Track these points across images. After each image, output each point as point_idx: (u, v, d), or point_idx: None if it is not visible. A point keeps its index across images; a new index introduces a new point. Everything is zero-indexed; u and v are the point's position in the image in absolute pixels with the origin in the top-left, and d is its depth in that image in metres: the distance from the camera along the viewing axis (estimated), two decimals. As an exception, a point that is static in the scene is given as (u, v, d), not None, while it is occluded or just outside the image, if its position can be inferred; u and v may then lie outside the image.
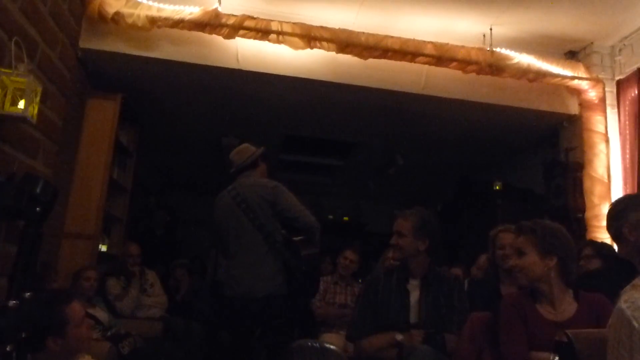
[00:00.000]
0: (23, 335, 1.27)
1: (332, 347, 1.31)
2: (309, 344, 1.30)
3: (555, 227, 2.06)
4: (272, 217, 3.00)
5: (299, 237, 3.12)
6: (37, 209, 1.30)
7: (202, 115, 5.15)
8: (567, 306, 1.99)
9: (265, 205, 3.00)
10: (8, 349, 1.21)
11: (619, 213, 2.35)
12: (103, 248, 4.31)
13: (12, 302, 1.25)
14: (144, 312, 4.29)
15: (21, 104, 1.35)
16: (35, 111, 1.40)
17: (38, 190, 1.32)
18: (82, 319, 2.06)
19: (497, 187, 4.98)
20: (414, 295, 2.57)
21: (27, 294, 1.27)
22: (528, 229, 2.05)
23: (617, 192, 3.87)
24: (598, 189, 3.91)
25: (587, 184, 3.96)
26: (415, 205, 2.70)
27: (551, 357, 1.81)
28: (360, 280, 4.54)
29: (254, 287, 2.90)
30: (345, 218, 8.89)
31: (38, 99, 1.40)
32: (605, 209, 3.65)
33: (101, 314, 3.71)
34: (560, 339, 1.68)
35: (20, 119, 1.39)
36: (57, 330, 1.86)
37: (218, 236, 3.14)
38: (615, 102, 4.08)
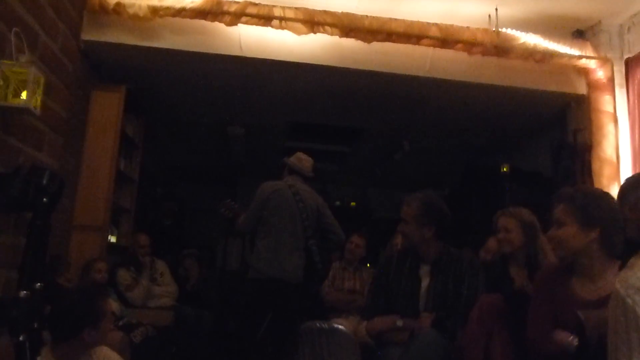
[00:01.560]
0: (35, 326, 1.29)
1: (340, 327, 1.31)
2: (318, 325, 1.30)
3: (598, 194, 1.92)
4: (315, 223, 3.49)
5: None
6: (44, 200, 1.31)
7: (207, 104, 5.14)
8: (609, 281, 1.79)
9: (315, 212, 3.50)
10: (21, 338, 1.22)
11: (621, 194, 2.35)
12: (112, 239, 4.33)
13: (23, 293, 1.26)
14: (155, 302, 4.33)
15: (24, 95, 1.34)
16: (39, 102, 1.40)
17: (44, 181, 1.32)
18: (112, 314, 2.19)
19: (505, 169, 4.93)
20: (425, 282, 2.56)
21: (38, 285, 1.28)
22: (567, 196, 1.89)
23: (626, 173, 3.81)
24: (607, 171, 3.86)
25: (595, 165, 3.91)
26: (423, 189, 2.66)
27: (570, 338, 1.76)
28: (368, 265, 4.56)
29: (292, 272, 3.35)
30: (353, 203, 8.89)
31: (41, 90, 1.40)
32: (614, 190, 3.64)
33: (112, 304, 3.74)
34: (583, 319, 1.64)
35: (24, 110, 1.38)
36: (94, 322, 2.02)
37: (263, 217, 3.45)
38: (624, 82, 4.01)
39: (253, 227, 3.51)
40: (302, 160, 3.68)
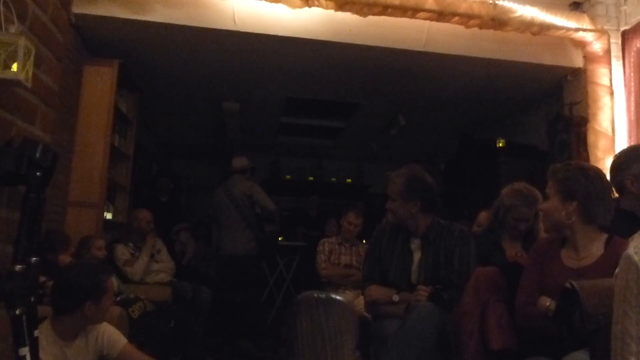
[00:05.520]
0: (32, 300, 1.29)
1: (338, 297, 1.31)
2: (315, 295, 1.30)
3: (578, 169, 1.98)
4: (249, 205, 4.64)
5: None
6: (38, 173, 1.29)
7: (202, 79, 5.09)
8: (593, 252, 1.94)
9: (245, 198, 4.63)
10: (17, 312, 1.22)
11: (621, 165, 2.34)
12: (108, 216, 4.33)
13: (18, 267, 1.25)
14: (152, 278, 4.34)
15: (14, 67, 1.32)
16: (30, 74, 1.37)
17: (37, 154, 1.30)
18: (113, 292, 2.23)
19: (500, 144, 4.94)
20: (417, 256, 2.58)
21: (33, 259, 1.27)
22: (552, 172, 2.02)
23: (622, 145, 3.83)
24: (602, 143, 3.88)
25: (591, 138, 3.93)
26: (408, 164, 2.66)
27: (548, 303, 1.83)
28: (364, 241, 4.58)
29: (236, 248, 4.59)
30: (348, 180, 8.90)
31: (31, 61, 1.37)
32: (609, 162, 3.64)
33: (112, 280, 3.75)
34: (567, 287, 1.69)
35: (14, 82, 1.35)
36: (96, 297, 2.08)
37: (215, 216, 4.80)
38: (620, 54, 4.00)
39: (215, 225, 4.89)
40: (231, 163, 4.86)
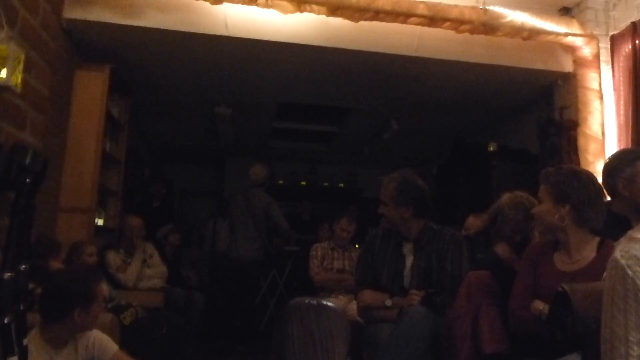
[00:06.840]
0: (21, 307, 1.27)
1: (329, 304, 1.31)
2: (306, 301, 1.30)
3: (571, 173, 2.00)
4: (264, 218, 4.91)
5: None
6: (27, 179, 1.28)
7: (194, 84, 5.08)
8: (585, 255, 1.95)
9: (262, 211, 4.90)
10: (6, 321, 1.21)
11: (613, 169, 2.35)
12: (99, 222, 4.30)
13: (7, 275, 1.24)
14: (145, 283, 4.32)
15: (3, 73, 1.31)
16: (19, 80, 1.37)
17: (27, 160, 1.29)
18: (102, 299, 2.21)
19: (492, 149, 4.97)
20: (409, 260, 2.59)
21: (23, 267, 1.26)
22: (545, 175, 2.04)
23: (612, 149, 3.86)
24: (592, 147, 3.90)
25: (581, 142, 3.95)
26: (401, 168, 2.67)
27: (541, 307, 1.84)
28: (357, 246, 4.58)
29: (245, 253, 4.86)
30: (341, 184, 8.91)
31: (21, 67, 1.36)
32: (599, 166, 3.67)
33: (102, 286, 3.72)
34: (559, 291, 1.69)
35: (4, 88, 1.35)
36: (85, 304, 2.04)
37: (230, 219, 5.10)
38: (609, 59, 4.03)
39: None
40: (250, 174, 5.04)
